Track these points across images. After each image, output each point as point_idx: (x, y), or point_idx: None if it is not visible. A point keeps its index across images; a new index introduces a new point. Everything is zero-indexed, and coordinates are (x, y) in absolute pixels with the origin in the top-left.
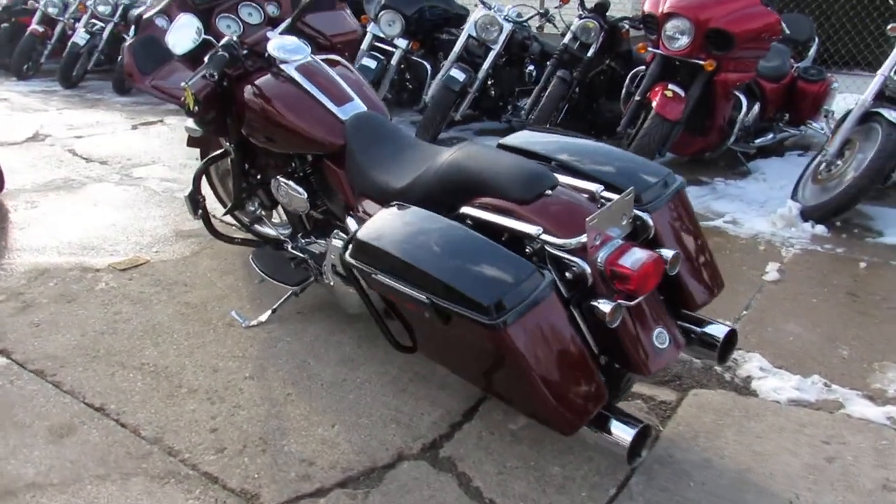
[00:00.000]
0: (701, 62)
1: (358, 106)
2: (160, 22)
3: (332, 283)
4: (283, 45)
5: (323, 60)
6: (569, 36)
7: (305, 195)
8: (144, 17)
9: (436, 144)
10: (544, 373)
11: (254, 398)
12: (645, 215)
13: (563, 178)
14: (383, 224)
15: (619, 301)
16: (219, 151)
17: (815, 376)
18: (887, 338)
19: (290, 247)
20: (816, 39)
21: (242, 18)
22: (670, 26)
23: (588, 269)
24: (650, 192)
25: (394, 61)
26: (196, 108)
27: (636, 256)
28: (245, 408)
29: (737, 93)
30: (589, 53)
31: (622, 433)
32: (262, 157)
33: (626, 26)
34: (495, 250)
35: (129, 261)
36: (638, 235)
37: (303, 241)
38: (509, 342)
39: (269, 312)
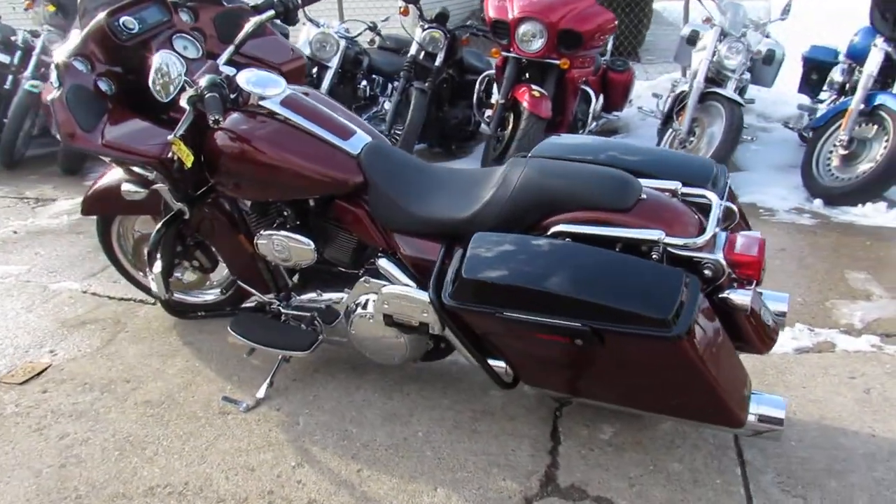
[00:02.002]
0: (556, 62)
1: (363, 137)
2: (79, 66)
3: (353, 334)
4: (256, 79)
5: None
6: (415, 47)
7: (312, 245)
8: (59, 60)
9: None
10: (716, 373)
11: (325, 488)
12: (730, 204)
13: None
14: (492, 257)
15: (752, 288)
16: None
17: (797, 325)
18: (814, 280)
19: (281, 307)
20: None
21: (180, 53)
22: (524, 29)
23: (725, 263)
24: (719, 182)
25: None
26: (191, 163)
27: (748, 243)
28: (324, 501)
29: (584, 87)
30: (437, 63)
31: (774, 408)
32: (212, 214)
33: (467, 34)
34: (638, 263)
35: (25, 370)
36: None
37: (300, 298)
38: (690, 350)
39: (265, 386)
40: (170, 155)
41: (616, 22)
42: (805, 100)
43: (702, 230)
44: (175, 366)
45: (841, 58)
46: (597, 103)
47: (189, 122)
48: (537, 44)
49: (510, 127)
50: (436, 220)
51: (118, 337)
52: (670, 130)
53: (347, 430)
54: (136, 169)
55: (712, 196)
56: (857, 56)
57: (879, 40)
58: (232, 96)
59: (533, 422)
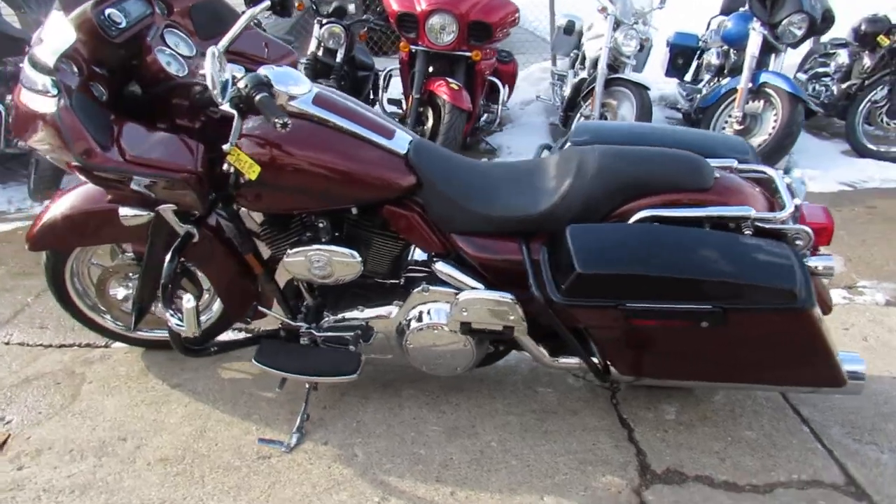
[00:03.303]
0: (467, 53)
1: (404, 135)
2: (65, 68)
3: (411, 347)
4: (282, 76)
5: None
6: (314, 43)
7: (359, 257)
8: (46, 60)
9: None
10: (827, 338)
11: None
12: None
13: None
14: (602, 249)
15: (830, 254)
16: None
17: None
18: None
19: (313, 330)
20: None
21: (174, 51)
22: (434, 22)
23: (812, 233)
24: (751, 157)
25: None
26: (257, 175)
27: (815, 211)
28: None
29: (491, 78)
30: (338, 59)
31: (856, 364)
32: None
33: (364, 28)
34: (746, 240)
35: None
36: None
37: (335, 317)
38: (815, 318)
39: (299, 420)
40: (225, 168)
41: (519, 13)
42: (672, 82)
43: (770, 203)
44: (174, 413)
45: (703, 43)
46: (504, 93)
47: (239, 129)
48: (448, 36)
49: (430, 122)
50: (508, 217)
51: (83, 390)
52: (579, 117)
53: (415, 452)
54: (136, 188)
55: (770, 170)
56: (732, 40)
57: (757, 24)
58: None
59: (596, 413)
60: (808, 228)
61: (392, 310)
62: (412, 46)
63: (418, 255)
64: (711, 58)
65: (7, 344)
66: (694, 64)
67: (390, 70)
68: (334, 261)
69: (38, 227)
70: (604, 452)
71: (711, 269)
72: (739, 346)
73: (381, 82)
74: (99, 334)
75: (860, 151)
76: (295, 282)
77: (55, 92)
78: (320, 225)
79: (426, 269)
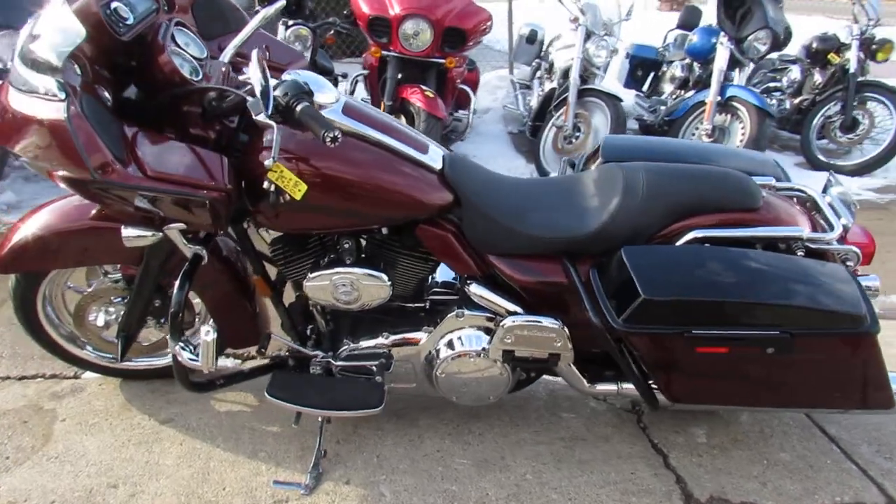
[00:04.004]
0: (441, 60)
1: (436, 149)
2: (71, 71)
3: (442, 377)
4: (313, 83)
5: None
6: None
7: (388, 280)
8: (51, 58)
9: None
10: (883, 361)
11: None
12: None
13: None
14: (663, 273)
15: (874, 275)
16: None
17: None
18: None
19: (330, 359)
20: None
21: (183, 51)
22: (409, 27)
23: (860, 254)
24: (781, 176)
25: None
26: (303, 195)
27: (857, 231)
28: None
29: (462, 86)
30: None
31: None
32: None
33: (331, 31)
34: (805, 263)
35: None
36: None
37: (355, 344)
38: (877, 343)
39: (314, 457)
40: (265, 185)
41: (492, 21)
42: (630, 93)
43: (812, 222)
44: (169, 453)
45: (661, 55)
46: (475, 101)
47: (279, 143)
48: (423, 42)
49: None
50: (553, 238)
51: (56, 429)
52: (550, 127)
53: (447, 489)
54: (141, 205)
55: (810, 189)
56: (696, 54)
57: (724, 39)
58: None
59: (627, 438)
60: (856, 249)
61: (420, 336)
62: (383, 52)
63: (440, 275)
64: (676, 70)
65: None
66: (651, 76)
67: (357, 76)
68: (364, 285)
69: (9, 247)
70: (644, 481)
71: (780, 294)
72: (799, 371)
73: (346, 87)
74: (74, 366)
75: (814, 164)
76: (312, 307)
77: (62, 95)
78: (345, 246)
79: (451, 292)
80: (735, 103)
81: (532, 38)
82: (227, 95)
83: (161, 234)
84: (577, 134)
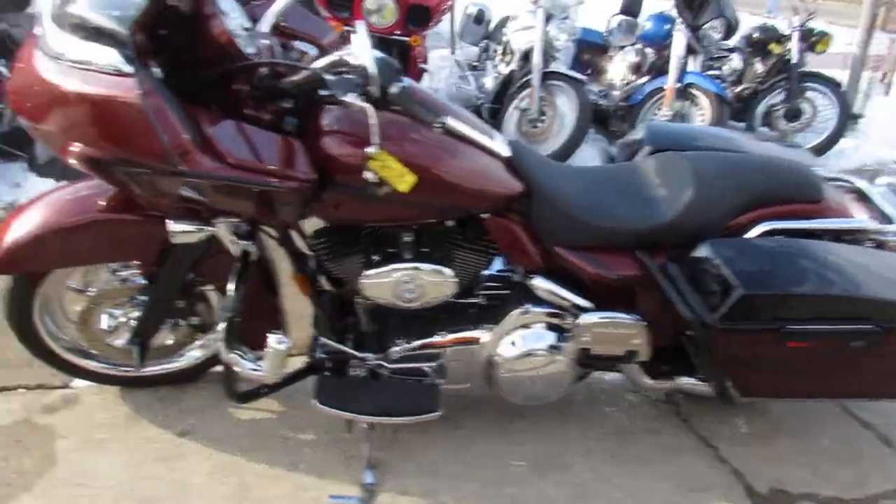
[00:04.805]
0: (405, 38)
1: (499, 134)
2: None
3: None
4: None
5: None
6: None
7: (454, 275)
8: (114, 25)
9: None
10: None
11: None
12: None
13: None
14: (756, 267)
15: None
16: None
17: None
18: None
19: (382, 361)
20: None
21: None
22: (372, 2)
23: None
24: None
25: None
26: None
27: None
28: None
29: (423, 66)
30: None
31: None
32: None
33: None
34: (886, 255)
35: None
36: None
37: (408, 345)
38: None
39: (367, 468)
40: (368, 176)
41: None
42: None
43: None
44: (197, 470)
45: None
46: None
47: (378, 128)
48: (388, 19)
49: None
50: (625, 229)
51: (59, 448)
52: (513, 111)
53: (509, 493)
54: (189, 194)
55: (860, 182)
56: (650, 39)
57: (682, 26)
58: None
59: (673, 431)
60: None
61: (480, 334)
62: (345, 28)
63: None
64: (629, 56)
65: None
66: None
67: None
68: (428, 282)
69: (4, 246)
70: (702, 475)
71: (872, 288)
72: (878, 363)
73: None
74: (71, 375)
75: None
76: (359, 305)
77: (130, 69)
78: (405, 239)
79: (502, 286)
80: (693, 90)
81: (480, 18)
82: (291, 72)
83: (212, 229)
84: (543, 117)
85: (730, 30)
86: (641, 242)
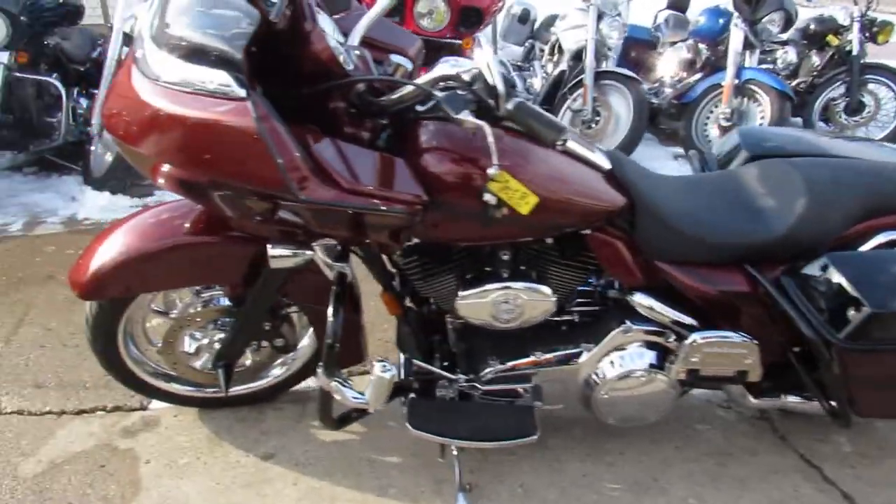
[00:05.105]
0: (457, 41)
1: (597, 145)
2: None
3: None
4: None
5: None
6: None
7: (552, 294)
8: (210, 50)
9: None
10: None
11: None
12: None
13: None
14: (888, 284)
15: None
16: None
17: None
18: None
19: (475, 383)
20: None
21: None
22: (423, 5)
23: None
24: None
25: None
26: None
27: None
28: None
29: None
30: None
31: None
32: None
33: None
34: None
35: None
36: None
37: (502, 365)
38: None
39: (460, 493)
40: (487, 198)
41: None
42: None
43: None
44: (286, 496)
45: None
46: None
47: (494, 146)
48: (439, 21)
49: None
50: (734, 243)
51: (143, 473)
52: (565, 111)
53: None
54: (288, 217)
55: None
56: (704, 35)
57: (739, 21)
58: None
59: (772, 450)
60: None
61: (579, 353)
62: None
63: None
64: (681, 52)
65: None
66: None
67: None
68: (527, 302)
69: (91, 272)
70: (810, 499)
71: None
72: None
73: None
74: (155, 399)
75: None
76: (451, 325)
77: (243, 93)
78: (503, 258)
79: (593, 302)
80: (753, 86)
81: (524, 17)
82: (392, 87)
83: (311, 253)
84: (597, 118)
85: (788, 22)
86: (750, 256)
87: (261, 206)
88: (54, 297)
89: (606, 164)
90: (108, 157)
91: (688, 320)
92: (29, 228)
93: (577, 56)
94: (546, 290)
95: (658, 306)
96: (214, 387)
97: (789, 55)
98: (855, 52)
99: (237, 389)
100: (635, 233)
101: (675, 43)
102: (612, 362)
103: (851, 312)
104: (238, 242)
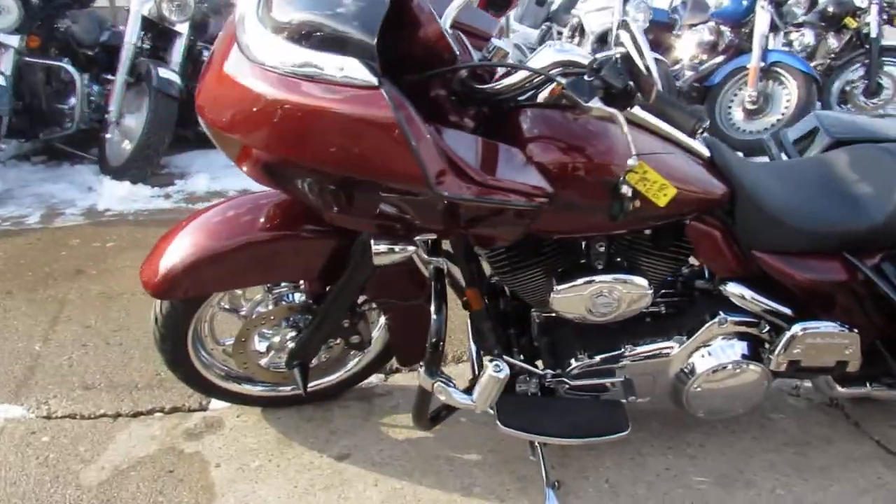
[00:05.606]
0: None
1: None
2: None
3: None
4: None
5: None
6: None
7: (648, 286)
8: (337, 35)
9: None
10: None
11: None
12: None
13: None
14: None
15: None
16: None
17: None
18: None
19: (565, 378)
20: None
21: None
22: None
23: None
24: None
25: (8, 68)
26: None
27: None
28: None
29: None
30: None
31: None
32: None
33: None
34: None
35: None
36: None
37: (591, 360)
38: None
39: (550, 490)
40: (624, 190)
41: None
42: None
43: None
44: (367, 498)
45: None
46: None
47: (630, 136)
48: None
49: None
50: (835, 231)
51: (215, 478)
52: None
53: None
54: (389, 209)
55: None
56: (727, 17)
57: (765, 3)
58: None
59: (848, 437)
60: None
61: (671, 347)
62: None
63: None
64: (703, 34)
65: (48, 418)
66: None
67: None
68: (625, 295)
69: (164, 269)
70: (895, 486)
71: None
72: None
73: None
74: (232, 401)
75: None
76: (536, 319)
77: (375, 81)
78: (599, 249)
79: (679, 291)
80: (779, 69)
81: (542, 1)
82: (506, 73)
83: (413, 248)
84: None
85: (812, 4)
86: (849, 244)
87: (375, 199)
88: (87, 293)
89: (706, 152)
90: (127, 146)
91: (784, 310)
92: (48, 220)
93: (602, 38)
94: (643, 281)
95: (753, 296)
96: (286, 385)
97: (806, 37)
98: (874, 35)
99: (291, 388)
100: (735, 221)
101: (693, 25)
102: (704, 354)
103: None
104: (318, 237)
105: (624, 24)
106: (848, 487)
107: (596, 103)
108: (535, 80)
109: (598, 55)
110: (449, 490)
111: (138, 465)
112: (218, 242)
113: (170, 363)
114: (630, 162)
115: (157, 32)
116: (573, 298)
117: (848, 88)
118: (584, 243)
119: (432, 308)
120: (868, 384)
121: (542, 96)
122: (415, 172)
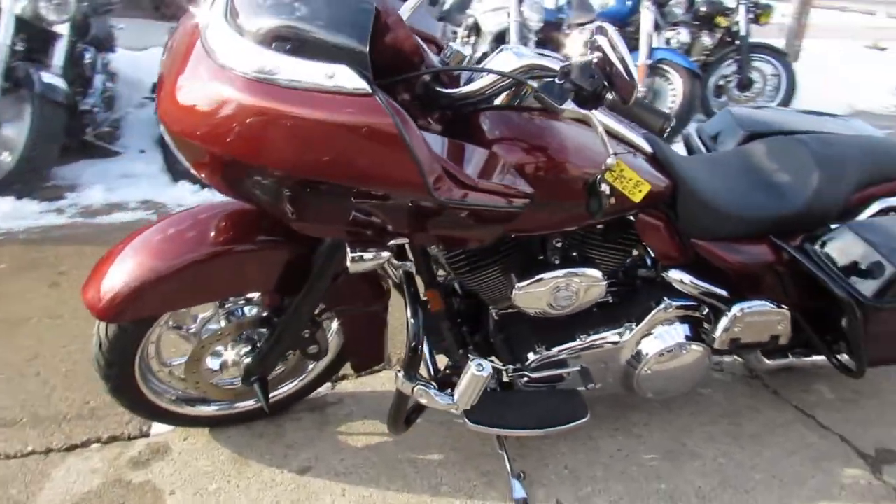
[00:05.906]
0: None
1: (636, 129)
2: None
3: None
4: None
5: None
6: None
7: (602, 276)
8: (330, 44)
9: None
10: None
11: None
12: None
13: None
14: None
15: None
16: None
17: None
18: None
19: (525, 371)
20: None
21: None
22: None
23: None
24: None
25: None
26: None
27: None
28: None
29: None
30: None
31: None
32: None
33: None
34: None
35: None
36: None
37: (547, 352)
38: None
39: (516, 482)
40: (602, 188)
41: None
42: None
43: None
44: None
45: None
46: None
47: (605, 136)
48: None
49: None
50: (764, 217)
51: None
52: None
53: (659, 488)
54: (362, 215)
55: None
56: (612, 16)
57: (648, 3)
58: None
59: (772, 405)
60: None
61: (620, 334)
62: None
63: None
64: (588, 33)
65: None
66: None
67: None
68: (583, 287)
69: (112, 290)
70: (819, 446)
71: None
72: None
73: None
74: (179, 424)
75: None
76: (497, 316)
77: (367, 87)
78: (556, 245)
79: (620, 280)
80: (664, 66)
81: (434, 1)
82: (467, 78)
83: (387, 254)
84: None
85: (690, 4)
86: (775, 228)
87: (348, 205)
88: None
89: (648, 147)
90: (7, 157)
91: (720, 292)
92: None
93: (499, 38)
94: (597, 273)
95: (693, 281)
96: (242, 401)
97: (682, 36)
98: (743, 33)
99: (247, 404)
100: (676, 212)
101: (582, 24)
102: (652, 339)
103: (874, 273)
104: (274, 247)
105: (601, 30)
106: (778, 451)
107: (569, 105)
108: (502, 84)
109: (572, 60)
110: (417, 492)
111: (83, 502)
112: (174, 257)
113: (114, 390)
114: (609, 161)
115: (34, 33)
116: (535, 294)
117: (723, 83)
118: (540, 240)
119: (408, 312)
120: (789, 355)
121: (500, 100)
122: (415, 178)
